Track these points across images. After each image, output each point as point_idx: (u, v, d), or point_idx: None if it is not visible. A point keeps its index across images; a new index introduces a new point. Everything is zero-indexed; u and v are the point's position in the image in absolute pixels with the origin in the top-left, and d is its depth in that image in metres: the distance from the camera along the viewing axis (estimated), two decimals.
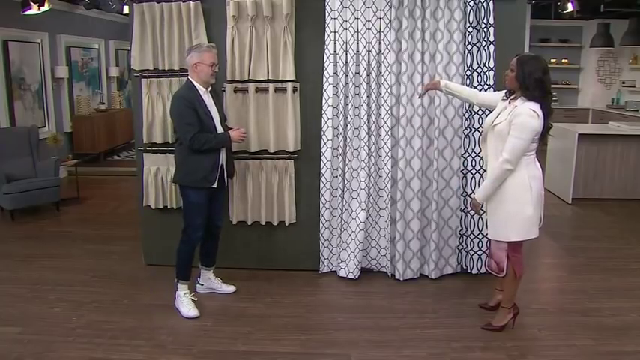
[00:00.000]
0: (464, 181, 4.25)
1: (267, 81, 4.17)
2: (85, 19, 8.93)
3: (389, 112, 4.13)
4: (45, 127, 7.91)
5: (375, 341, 3.43)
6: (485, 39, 4.01)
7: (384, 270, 4.40)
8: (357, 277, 4.29)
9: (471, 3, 4.01)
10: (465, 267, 4.40)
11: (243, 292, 4.10)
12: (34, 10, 6.60)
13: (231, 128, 3.85)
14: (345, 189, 4.31)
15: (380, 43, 4.10)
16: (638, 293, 4.12)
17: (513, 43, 4.04)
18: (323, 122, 4.22)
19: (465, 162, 4.22)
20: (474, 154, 4.16)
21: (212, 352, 3.30)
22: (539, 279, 4.53)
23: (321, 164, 4.27)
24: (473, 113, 4.13)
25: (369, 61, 4.11)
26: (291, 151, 4.28)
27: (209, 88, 3.72)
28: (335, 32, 4.08)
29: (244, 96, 4.22)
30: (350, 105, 4.20)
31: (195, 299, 3.80)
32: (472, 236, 4.26)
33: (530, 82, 3.11)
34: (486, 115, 3.77)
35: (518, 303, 3.53)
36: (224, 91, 4.17)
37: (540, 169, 3.32)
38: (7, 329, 3.55)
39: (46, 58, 7.98)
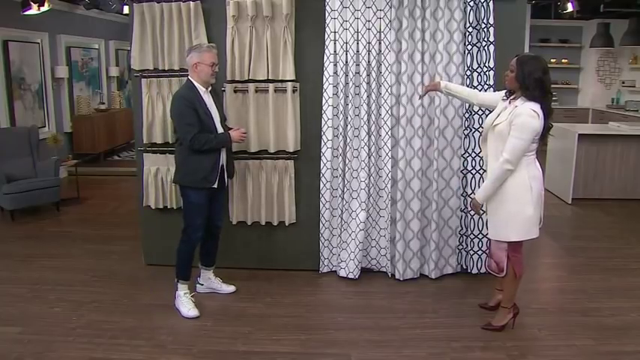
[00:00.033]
0: (464, 181, 4.25)
1: (267, 81, 4.17)
2: (85, 19, 8.93)
3: (389, 112, 4.13)
4: (45, 127, 7.91)
5: (375, 341, 3.43)
6: (485, 39, 4.01)
7: (384, 270, 4.40)
8: (357, 277, 4.29)
9: (471, 3, 4.01)
10: (465, 267, 4.40)
11: (243, 292, 4.10)
12: (34, 10, 6.60)
13: (232, 128, 3.85)
14: (345, 189, 4.31)
15: (380, 43, 4.09)
16: (638, 293, 4.12)
17: (513, 43, 4.04)
18: (323, 122, 4.22)
19: (465, 162, 4.22)
20: (473, 154, 4.16)
21: (212, 352, 3.30)
22: (539, 279, 4.53)
23: (321, 164, 4.27)
24: (473, 113, 4.13)
25: (369, 61, 4.11)
26: (291, 151, 4.28)
27: (209, 88, 3.72)
28: (335, 32, 4.08)
29: (244, 96, 4.22)
30: (350, 105, 4.20)
31: (194, 300, 3.79)
32: (472, 236, 4.26)
33: (530, 82, 3.10)
34: (486, 115, 3.77)
35: (518, 303, 3.53)
36: (224, 91, 4.17)
37: (540, 169, 3.32)
38: (7, 329, 3.55)
39: (46, 58, 7.98)
